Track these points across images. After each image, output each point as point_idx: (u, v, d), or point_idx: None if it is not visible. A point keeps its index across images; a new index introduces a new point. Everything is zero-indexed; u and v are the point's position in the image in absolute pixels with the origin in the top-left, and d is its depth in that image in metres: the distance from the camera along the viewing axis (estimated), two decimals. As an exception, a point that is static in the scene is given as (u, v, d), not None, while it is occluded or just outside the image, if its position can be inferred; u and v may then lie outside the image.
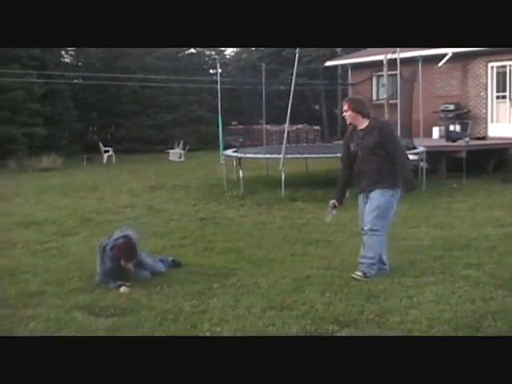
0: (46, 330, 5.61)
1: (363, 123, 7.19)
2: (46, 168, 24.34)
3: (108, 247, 7.09)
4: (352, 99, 7.72)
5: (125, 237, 7.19)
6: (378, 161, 7.09)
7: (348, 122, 7.33)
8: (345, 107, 7.26)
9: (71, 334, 5.48)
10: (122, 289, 6.80)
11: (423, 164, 15.69)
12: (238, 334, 5.35)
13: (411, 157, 17.97)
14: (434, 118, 20.55)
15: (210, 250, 8.75)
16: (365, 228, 7.17)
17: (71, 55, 40.06)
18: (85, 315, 6.01)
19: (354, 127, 7.28)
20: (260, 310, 5.97)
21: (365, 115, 7.20)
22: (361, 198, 7.39)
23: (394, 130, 7.37)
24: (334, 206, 7.49)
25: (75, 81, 35.12)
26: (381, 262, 7.28)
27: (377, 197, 7.10)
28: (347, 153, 7.39)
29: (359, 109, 7.20)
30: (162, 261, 7.69)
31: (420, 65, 16.90)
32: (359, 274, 7.04)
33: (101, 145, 29.77)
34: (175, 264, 7.85)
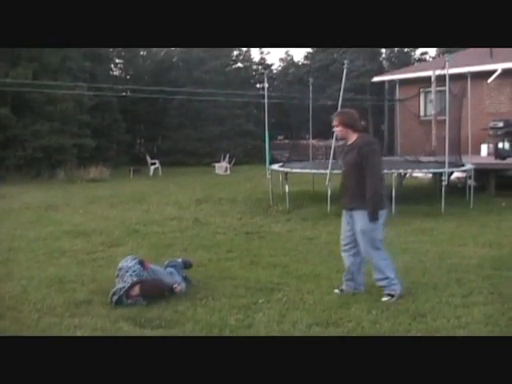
0: (92, 340, 5.66)
1: (352, 138, 7.03)
2: (94, 179, 24.73)
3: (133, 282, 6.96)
4: (342, 113, 7.34)
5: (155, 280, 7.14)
6: (356, 179, 6.90)
7: (339, 137, 7.21)
8: (335, 122, 7.07)
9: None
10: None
11: (471, 182, 15.48)
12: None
13: (459, 174, 17.88)
14: (482, 135, 20.24)
15: (256, 264, 8.74)
16: (364, 256, 7.10)
17: (120, 68, 40.70)
18: (130, 326, 6.04)
19: (346, 141, 7.18)
20: (305, 326, 5.93)
21: (355, 130, 7.01)
22: (344, 214, 7.23)
23: (373, 149, 6.91)
24: None
25: (124, 93, 35.59)
26: (357, 281, 7.20)
27: (359, 219, 6.91)
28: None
29: (349, 123, 7.01)
30: (173, 266, 7.63)
31: (469, 81, 16.71)
32: (386, 298, 6.89)
33: (148, 157, 30.11)
34: (186, 266, 7.89)
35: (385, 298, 6.89)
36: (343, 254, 7.30)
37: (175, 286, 7.05)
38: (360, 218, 6.89)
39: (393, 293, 6.91)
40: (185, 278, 7.52)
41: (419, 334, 5.66)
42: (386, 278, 6.98)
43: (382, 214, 6.95)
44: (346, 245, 7.20)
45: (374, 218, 6.79)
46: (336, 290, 7.20)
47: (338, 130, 7.10)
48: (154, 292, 6.91)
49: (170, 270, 7.48)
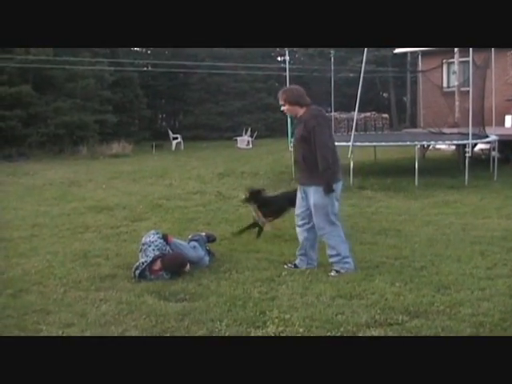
0: (117, 313, 5.71)
1: (300, 113, 6.95)
2: (116, 154, 24.84)
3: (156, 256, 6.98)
4: (286, 91, 7.10)
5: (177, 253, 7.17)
6: (303, 154, 6.86)
7: (289, 115, 7.12)
8: (281, 101, 6.98)
9: (142, 317, 5.57)
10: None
11: (495, 153, 15.34)
12: (307, 322, 5.34)
13: (483, 146, 17.72)
14: (506, 106, 20.02)
15: (279, 237, 8.75)
16: (318, 233, 7.03)
17: (141, 43, 40.59)
18: (155, 299, 6.08)
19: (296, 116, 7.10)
20: (329, 298, 5.94)
21: (303, 105, 6.91)
22: (298, 189, 7.19)
23: (319, 122, 6.77)
24: None
25: (145, 68, 35.57)
26: (310, 257, 7.17)
27: (312, 194, 6.86)
28: None
29: (295, 100, 6.91)
30: (197, 240, 7.64)
31: (493, 51, 16.48)
32: (332, 273, 6.87)
33: (170, 132, 30.14)
34: (209, 239, 7.91)
35: (332, 273, 6.87)
36: (297, 230, 7.29)
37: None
38: (312, 192, 6.84)
39: (342, 270, 6.87)
40: (208, 252, 7.56)
41: (442, 307, 5.64)
42: (338, 255, 6.93)
43: (337, 186, 6.90)
44: (300, 220, 7.17)
45: (328, 191, 6.72)
46: (289, 265, 7.19)
47: (285, 109, 7.01)
48: (175, 265, 6.93)
49: (193, 243, 7.51)
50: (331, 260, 6.98)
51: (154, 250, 6.99)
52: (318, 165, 6.71)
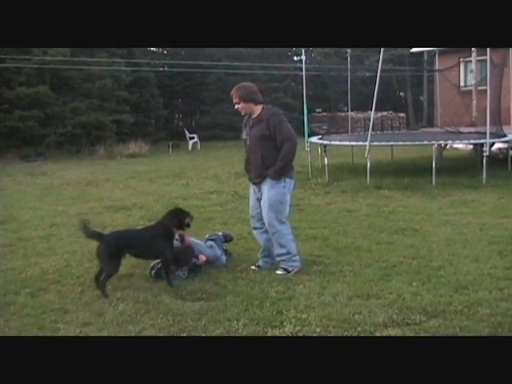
0: (134, 312, 5.74)
1: (257, 111, 6.96)
2: (133, 154, 24.89)
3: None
4: (240, 88, 7.02)
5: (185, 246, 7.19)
6: (263, 152, 6.86)
7: (243, 113, 7.08)
8: (235, 99, 6.95)
9: (159, 317, 5.59)
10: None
11: (513, 152, 15.26)
12: (324, 321, 5.34)
13: (500, 145, 17.61)
14: (525, 105, 19.89)
15: (296, 236, 8.64)
16: (269, 231, 7.02)
17: (157, 43, 40.73)
18: (172, 298, 6.10)
19: (250, 115, 7.06)
20: (346, 298, 5.94)
21: (257, 102, 6.95)
22: (252, 190, 7.19)
23: (282, 118, 6.89)
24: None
25: (161, 68, 35.64)
26: (274, 257, 7.16)
27: (267, 190, 6.89)
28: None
29: (249, 97, 6.92)
30: (213, 240, 7.64)
31: (510, 50, 16.38)
32: (280, 272, 6.92)
33: (186, 131, 30.18)
34: (226, 239, 7.93)
35: (279, 272, 6.91)
36: (255, 232, 7.33)
37: (200, 257, 7.11)
38: (268, 188, 6.88)
39: (290, 269, 6.91)
40: (225, 251, 7.57)
41: (460, 307, 5.62)
42: (288, 254, 6.97)
43: (290, 182, 6.99)
44: (256, 222, 7.20)
45: (277, 177, 6.80)
46: (252, 267, 7.19)
47: (239, 107, 6.99)
48: (184, 257, 6.95)
49: (210, 243, 7.52)
50: (280, 258, 7.03)
51: None
52: (274, 162, 6.79)
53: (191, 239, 7.40)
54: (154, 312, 5.75)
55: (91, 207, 11.96)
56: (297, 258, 7.03)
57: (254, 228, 7.31)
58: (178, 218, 6.93)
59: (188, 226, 7.01)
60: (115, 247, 6.46)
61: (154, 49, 40.01)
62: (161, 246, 6.69)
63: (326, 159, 15.14)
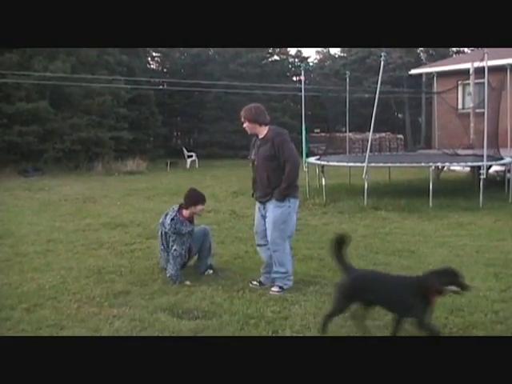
0: (130, 330, 5.74)
1: (263, 132, 7.10)
2: (131, 171, 24.92)
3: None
4: (246, 109, 7.18)
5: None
6: (268, 172, 6.99)
7: (249, 133, 7.22)
8: (242, 119, 7.13)
9: (155, 335, 5.59)
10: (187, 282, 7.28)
11: (510, 175, 15.28)
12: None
13: (497, 167, 17.67)
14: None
15: (292, 256, 8.74)
16: (272, 248, 7.11)
17: (157, 61, 40.94)
18: (168, 317, 6.11)
19: (257, 135, 7.20)
20: (342, 319, 5.93)
21: (262, 123, 7.08)
22: (257, 206, 7.33)
23: (286, 139, 7.03)
24: None
25: (160, 86, 35.77)
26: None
27: (272, 210, 7.00)
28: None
29: (255, 118, 7.06)
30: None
31: (508, 73, 16.48)
32: (275, 289, 7.00)
33: (184, 150, 30.24)
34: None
35: (274, 289, 7.00)
36: (258, 249, 7.43)
37: None
38: (272, 208, 6.99)
39: (285, 287, 7.02)
40: (211, 266, 7.87)
41: (455, 329, 5.62)
42: (286, 272, 7.08)
43: (295, 202, 7.08)
44: (261, 239, 7.28)
45: (281, 198, 6.90)
46: (254, 282, 7.26)
47: (245, 126, 7.15)
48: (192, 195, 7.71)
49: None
50: (276, 276, 7.11)
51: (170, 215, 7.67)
52: (280, 182, 6.90)
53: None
54: (149, 330, 5.75)
55: (88, 223, 11.96)
56: (291, 277, 7.13)
57: (259, 245, 7.38)
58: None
59: None
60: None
61: (154, 66, 40.23)
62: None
63: (323, 180, 15.18)
